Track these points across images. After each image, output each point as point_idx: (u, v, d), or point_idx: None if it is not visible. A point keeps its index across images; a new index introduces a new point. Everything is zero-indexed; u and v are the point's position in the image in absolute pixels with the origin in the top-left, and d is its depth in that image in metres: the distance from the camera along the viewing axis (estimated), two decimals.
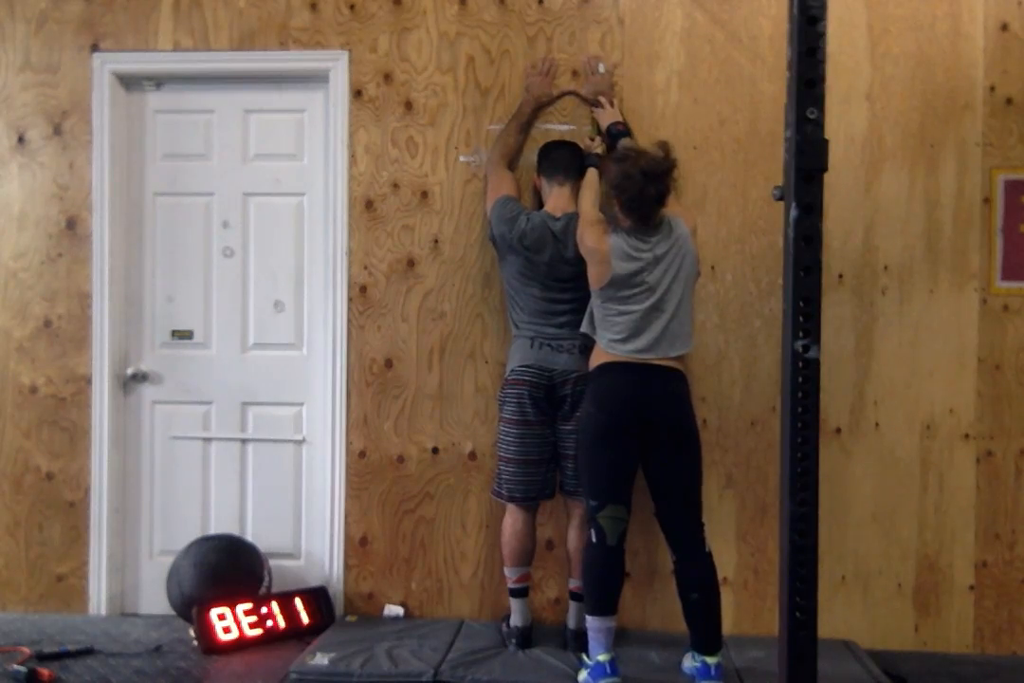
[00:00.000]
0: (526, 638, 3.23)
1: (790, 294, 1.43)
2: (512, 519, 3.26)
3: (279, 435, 3.71)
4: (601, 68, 3.44)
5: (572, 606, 3.26)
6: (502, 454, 3.27)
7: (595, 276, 3.01)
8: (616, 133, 3.29)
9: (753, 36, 3.46)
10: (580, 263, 3.11)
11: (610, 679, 2.86)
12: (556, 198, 3.27)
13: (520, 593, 3.27)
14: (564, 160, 3.29)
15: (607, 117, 3.35)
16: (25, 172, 3.67)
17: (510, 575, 3.27)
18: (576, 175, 3.26)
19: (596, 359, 3.03)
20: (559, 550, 3.47)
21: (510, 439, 3.22)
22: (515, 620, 3.26)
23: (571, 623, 3.24)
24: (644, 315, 2.95)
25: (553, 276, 3.20)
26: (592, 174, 3.21)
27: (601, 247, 2.98)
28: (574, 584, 3.24)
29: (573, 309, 3.20)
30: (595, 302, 3.05)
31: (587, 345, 3.16)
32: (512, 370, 3.24)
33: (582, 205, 3.14)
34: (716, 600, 2.95)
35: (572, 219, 3.17)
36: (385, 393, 3.57)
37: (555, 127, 3.48)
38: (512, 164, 3.43)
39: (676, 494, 2.97)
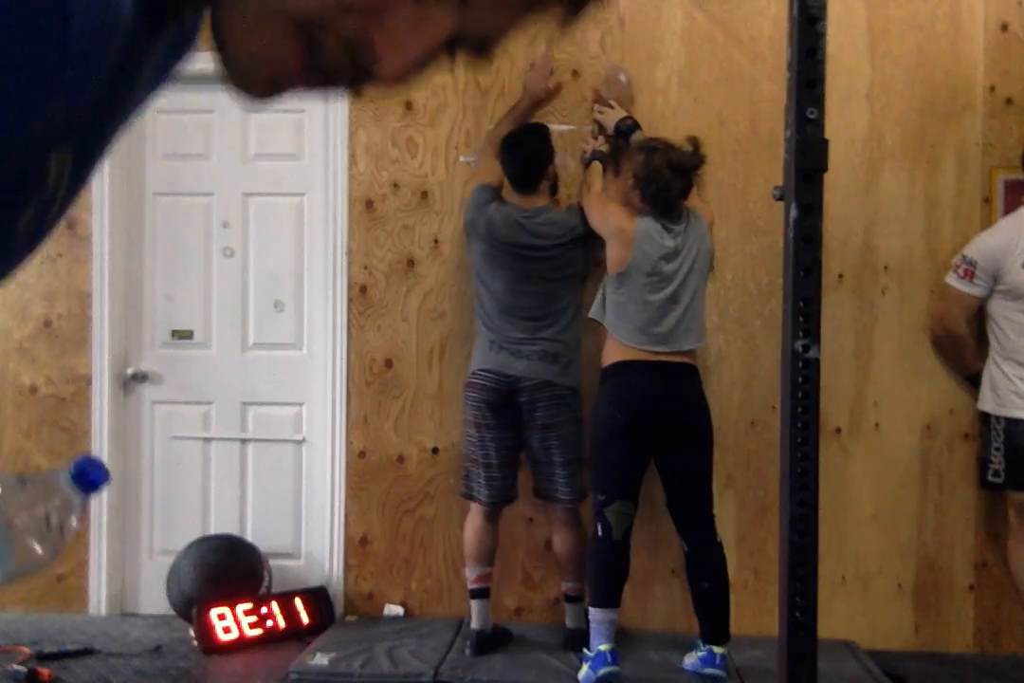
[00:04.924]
0: (484, 642, 3.12)
1: (790, 294, 1.43)
2: (472, 517, 3.23)
3: (279, 435, 3.71)
4: (623, 78, 3.42)
5: (567, 608, 3.25)
6: (467, 455, 3.26)
7: (615, 258, 3.00)
8: (626, 128, 3.28)
9: (753, 36, 3.46)
10: (548, 259, 3.10)
11: (610, 668, 2.86)
12: (518, 198, 3.22)
13: (479, 594, 3.19)
14: (523, 174, 3.20)
15: (614, 115, 3.34)
16: None
17: (469, 575, 3.22)
18: (536, 183, 3.20)
19: (610, 354, 3.03)
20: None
21: (472, 441, 3.21)
22: (474, 623, 3.17)
23: (569, 623, 3.24)
24: (660, 306, 2.96)
25: (519, 269, 3.14)
26: (597, 166, 3.24)
27: (628, 228, 2.99)
28: (566, 586, 3.24)
29: (538, 305, 3.14)
30: (609, 290, 3.04)
31: (548, 351, 3.10)
32: (472, 373, 3.21)
33: (593, 190, 3.17)
34: (726, 590, 2.97)
35: (541, 213, 3.15)
36: (385, 393, 3.57)
37: (555, 127, 3.47)
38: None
39: (688, 485, 3.00)
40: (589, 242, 3.19)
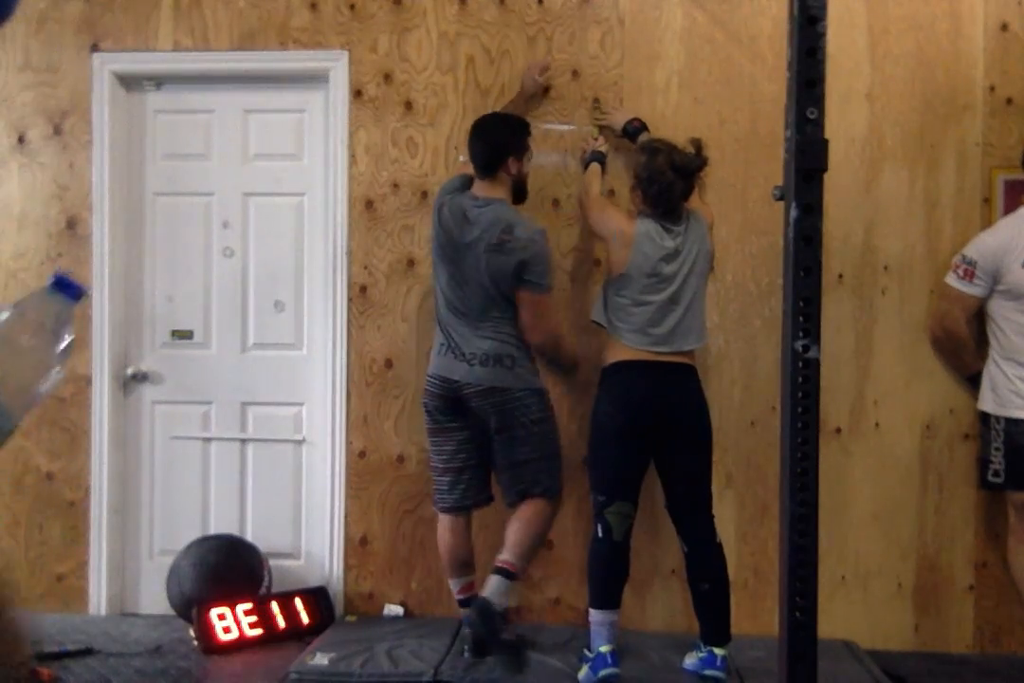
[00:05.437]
0: (480, 646, 3.07)
1: (790, 294, 1.43)
2: (442, 529, 3.19)
3: (279, 435, 3.71)
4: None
5: (489, 578, 3.01)
6: (431, 464, 3.22)
7: (615, 259, 3.00)
8: (634, 130, 3.29)
9: (753, 36, 3.46)
10: (482, 254, 2.98)
11: (610, 669, 2.85)
12: (477, 186, 3.14)
13: (468, 604, 3.13)
14: (483, 157, 3.10)
15: (621, 117, 3.36)
16: (25, 172, 3.67)
17: (453, 587, 3.21)
18: (495, 170, 3.09)
19: (610, 355, 3.03)
20: (559, 551, 3.47)
21: (433, 448, 3.17)
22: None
23: (483, 591, 3.00)
24: (660, 307, 2.96)
25: (458, 260, 3.04)
26: (596, 167, 3.25)
27: (628, 230, 2.99)
28: (499, 558, 3.05)
29: (477, 303, 3.02)
30: (610, 291, 3.04)
31: (490, 354, 3.00)
32: (425, 378, 3.16)
33: (592, 192, 3.17)
34: (726, 590, 2.96)
35: (491, 203, 3.04)
36: (385, 393, 3.57)
37: (555, 127, 3.48)
38: None
39: (688, 486, 2.99)
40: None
